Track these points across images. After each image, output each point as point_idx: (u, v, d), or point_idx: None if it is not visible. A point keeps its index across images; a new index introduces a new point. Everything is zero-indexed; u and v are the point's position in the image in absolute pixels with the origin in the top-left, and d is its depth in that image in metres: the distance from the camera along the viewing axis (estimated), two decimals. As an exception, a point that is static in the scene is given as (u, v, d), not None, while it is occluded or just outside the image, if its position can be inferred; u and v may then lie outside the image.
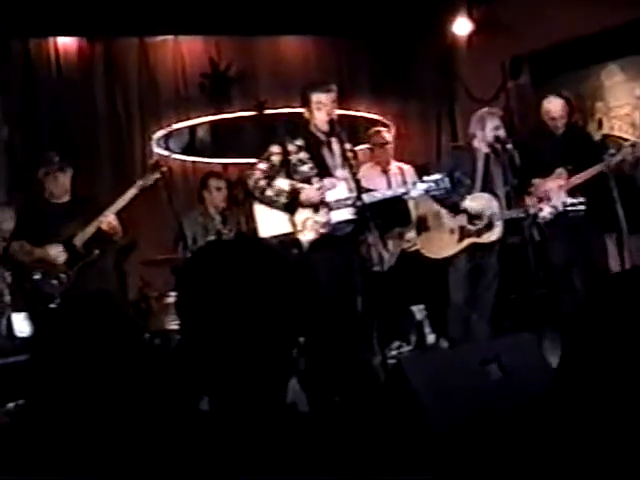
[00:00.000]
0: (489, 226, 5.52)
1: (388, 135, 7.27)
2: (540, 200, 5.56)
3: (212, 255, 1.67)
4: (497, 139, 5.52)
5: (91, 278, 5.54)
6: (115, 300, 5.32)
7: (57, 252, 5.56)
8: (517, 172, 5.45)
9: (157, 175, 5.77)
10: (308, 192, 4.96)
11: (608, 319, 1.29)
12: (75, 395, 1.72)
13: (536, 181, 5.72)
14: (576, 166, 5.69)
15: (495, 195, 5.55)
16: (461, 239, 5.61)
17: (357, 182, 4.96)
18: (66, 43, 7.92)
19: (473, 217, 5.55)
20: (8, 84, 7.43)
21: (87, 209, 5.71)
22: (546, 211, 5.41)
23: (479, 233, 5.55)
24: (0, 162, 7.22)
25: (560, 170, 5.70)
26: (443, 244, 5.67)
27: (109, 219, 5.60)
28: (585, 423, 1.28)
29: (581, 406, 1.28)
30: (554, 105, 5.96)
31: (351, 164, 5.08)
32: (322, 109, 4.98)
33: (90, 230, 5.59)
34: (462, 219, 5.60)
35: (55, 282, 5.54)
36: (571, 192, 5.55)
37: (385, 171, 7.02)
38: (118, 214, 5.65)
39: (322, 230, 4.95)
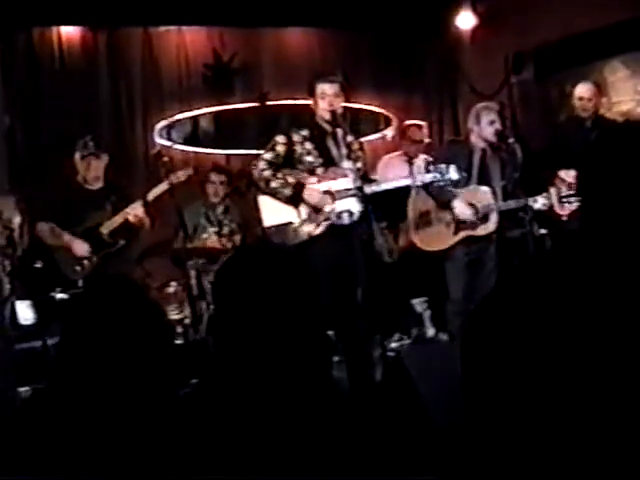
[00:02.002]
0: (484, 218, 5.53)
1: (425, 133, 7.42)
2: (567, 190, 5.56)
3: (248, 260, 1.83)
4: (496, 133, 5.54)
5: (113, 267, 5.58)
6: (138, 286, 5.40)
7: (80, 247, 5.61)
8: (518, 166, 5.48)
9: (190, 172, 5.84)
10: (311, 192, 4.97)
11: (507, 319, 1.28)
12: (100, 377, 1.75)
13: (562, 172, 5.73)
14: None
15: (491, 188, 5.57)
16: (456, 232, 5.62)
17: (364, 173, 5.01)
18: (69, 32, 7.93)
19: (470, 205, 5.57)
20: (11, 73, 7.42)
21: (117, 197, 5.74)
22: (540, 202, 5.42)
23: (474, 226, 5.56)
24: (1, 151, 7.21)
25: None
26: (439, 237, 5.68)
27: (137, 211, 5.65)
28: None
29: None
30: (587, 88, 6.19)
31: (357, 155, 5.11)
32: (325, 99, 4.99)
33: (117, 220, 5.64)
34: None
35: (78, 268, 5.59)
36: None
37: (410, 162, 7.10)
38: (146, 207, 5.69)
39: (325, 222, 4.97)
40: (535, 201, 5.39)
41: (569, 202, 5.35)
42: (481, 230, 5.56)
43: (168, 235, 6.47)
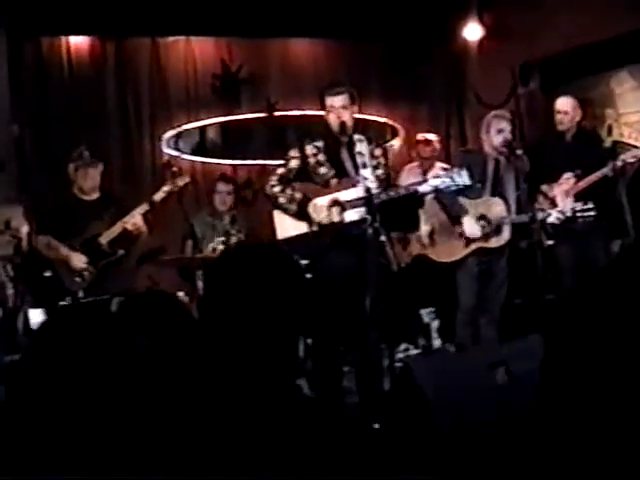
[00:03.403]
0: (497, 231, 5.53)
1: (438, 147, 7.67)
2: (549, 205, 5.60)
3: (239, 259, 1.81)
4: (505, 143, 5.54)
5: (113, 277, 5.59)
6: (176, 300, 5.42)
7: (78, 260, 5.61)
8: (527, 177, 5.48)
9: (186, 179, 5.87)
10: (316, 208, 4.98)
11: (591, 317, 1.29)
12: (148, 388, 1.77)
13: (544, 187, 5.77)
14: (585, 171, 5.74)
15: (505, 199, 5.56)
16: (468, 243, 5.61)
17: (386, 179, 5.02)
18: (78, 42, 7.96)
19: (481, 219, 5.56)
20: (20, 83, 7.46)
21: (115, 207, 5.76)
22: (553, 216, 5.43)
23: (487, 238, 5.55)
24: (10, 160, 7.24)
25: (568, 175, 5.76)
26: (451, 248, 5.68)
27: (135, 220, 5.66)
28: (575, 424, 1.28)
29: (569, 408, 1.28)
30: (565, 102, 6.12)
31: (379, 162, 5.10)
32: (333, 111, 5.01)
33: (116, 229, 5.65)
34: None
35: (78, 279, 5.59)
36: (582, 197, 5.59)
37: (425, 173, 7.17)
38: (144, 215, 5.70)
39: (335, 231, 4.97)
40: (548, 215, 5.39)
41: (583, 217, 5.36)
42: (494, 242, 5.55)
43: (169, 243, 6.49)
